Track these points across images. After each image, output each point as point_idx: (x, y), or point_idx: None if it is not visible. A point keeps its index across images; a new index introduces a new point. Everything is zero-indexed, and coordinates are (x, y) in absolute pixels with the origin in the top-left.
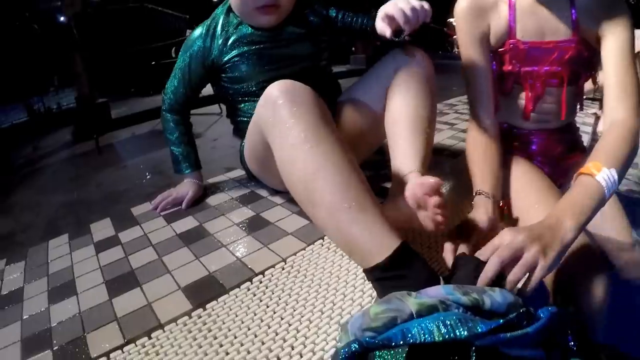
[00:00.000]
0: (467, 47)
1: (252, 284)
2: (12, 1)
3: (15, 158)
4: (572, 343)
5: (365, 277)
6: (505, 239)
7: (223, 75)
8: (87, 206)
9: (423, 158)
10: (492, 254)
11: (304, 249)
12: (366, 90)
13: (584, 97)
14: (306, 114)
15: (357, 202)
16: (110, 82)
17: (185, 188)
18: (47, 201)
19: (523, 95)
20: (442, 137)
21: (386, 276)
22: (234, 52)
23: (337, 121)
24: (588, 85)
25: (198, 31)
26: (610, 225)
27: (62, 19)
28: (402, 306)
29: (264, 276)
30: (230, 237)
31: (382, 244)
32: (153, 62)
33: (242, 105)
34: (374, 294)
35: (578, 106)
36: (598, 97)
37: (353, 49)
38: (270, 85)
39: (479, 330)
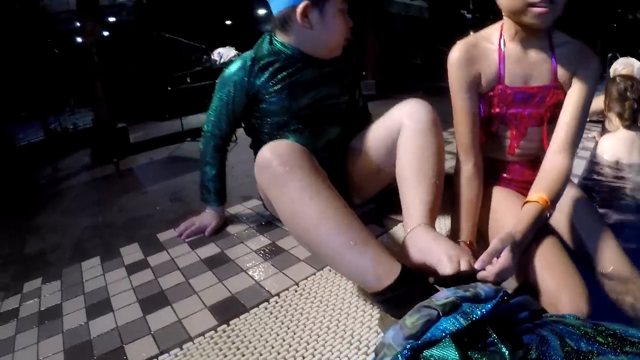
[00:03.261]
0: (459, 93)
1: (269, 304)
2: (36, 27)
3: (36, 178)
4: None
5: (373, 298)
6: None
7: (260, 105)
8: (111, 230)
9: (429, 210)
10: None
11: (314, 273)
12: (376, 135)
13: (588, 119)
14: (299, 171)
15: (360, 239)
16: (128, 106)
17: (209, 218)
18: (72, 223)
19: (507, 134)
20: (446, 165)
21: (396, 294)
22: (278, 87)
23: (349, 163)
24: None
25: (237, 65)
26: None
27: (82, 44)
28: (430, 311)
29: (279, 297)
30: (249, 262)
31: (388, 270)
32: (169, 88)
33: (269, 138)
34: (376, 314)
35: None
36: (601, 120)
37: (363, 73)
38: (261, 149)
39: (488, 308)
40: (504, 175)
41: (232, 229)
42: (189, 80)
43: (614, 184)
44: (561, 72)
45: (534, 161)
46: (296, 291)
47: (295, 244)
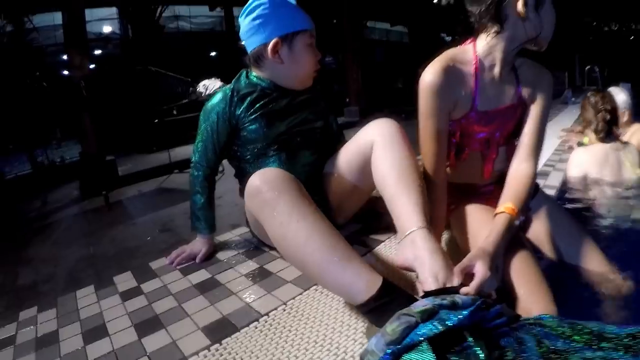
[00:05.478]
0: (430, 118)
1: (259, 323)
2: (25, 61)
3: (25, 211)
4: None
5: (358, 311)
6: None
7: (241, 133)
8: (104, 260)
9: (424, 211)
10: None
11: (301, 293)
12: (349, 156)
13: (562, 129)
14: (287, 196)
15: (344, 256)
16: (115, 139)
17: (199, 245)
18: (64, 255)
19: (480, 158)
20: None
21: (378, 305)
22: (255, 115)
23: (326, 185)
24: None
25: (219, 97)
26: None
27: (70, 78)
28: (409, 318)
29: (268, 317)
30: (239, 286)
31: (371, 282)
32: (156, 120)
33: (251, 165)
34: (360, 327)
35: None
36: (577, 130)
37: (347, 100)
38: (251, 177)
39: (464, 314)
40: (481, 197)
41: (221, 255)
42: (174, 113)
43: (583, 200)
44: (524, 90)
45: (501, 180)
46: (284, 310)
47: (283, 266)
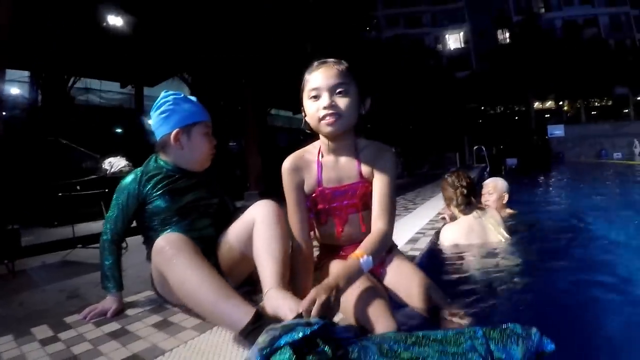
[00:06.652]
0: (289, 193)
1: (164, 356)
2: None
3: None
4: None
5: (240, 338)
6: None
7: (147, 207)
8: (15, 320)
9: (279, 277)
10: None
11: (199, 335)
12: (237, 230)
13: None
14: (185, 252)
15: (227, 294)
16: (15, 209)
17: (109, 302)
18: None
19: (335, 223)
20: None
21: (253, 328)
22: (159, 192)
23: (220, 253)
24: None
25: (131, 177)
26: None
27: None
28: (274, 332)
29: (171, 352)
30: (146, 332)
31: (246, 313)
32: (60, 194)
33: (157, 232)
34: (245, 354)
35: None
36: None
37: (248, 185)
38: (157, 239)
39: (314, 328)
40: (341, 255)
41: (130, 311)
42: (78, 188)
43: (455, 265)
44: (364, 169)
45: (361, 241)
46: (185, 347)
47: (184, 318)
